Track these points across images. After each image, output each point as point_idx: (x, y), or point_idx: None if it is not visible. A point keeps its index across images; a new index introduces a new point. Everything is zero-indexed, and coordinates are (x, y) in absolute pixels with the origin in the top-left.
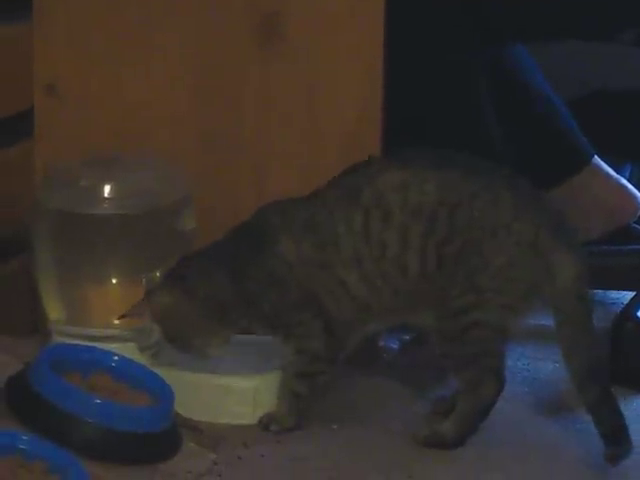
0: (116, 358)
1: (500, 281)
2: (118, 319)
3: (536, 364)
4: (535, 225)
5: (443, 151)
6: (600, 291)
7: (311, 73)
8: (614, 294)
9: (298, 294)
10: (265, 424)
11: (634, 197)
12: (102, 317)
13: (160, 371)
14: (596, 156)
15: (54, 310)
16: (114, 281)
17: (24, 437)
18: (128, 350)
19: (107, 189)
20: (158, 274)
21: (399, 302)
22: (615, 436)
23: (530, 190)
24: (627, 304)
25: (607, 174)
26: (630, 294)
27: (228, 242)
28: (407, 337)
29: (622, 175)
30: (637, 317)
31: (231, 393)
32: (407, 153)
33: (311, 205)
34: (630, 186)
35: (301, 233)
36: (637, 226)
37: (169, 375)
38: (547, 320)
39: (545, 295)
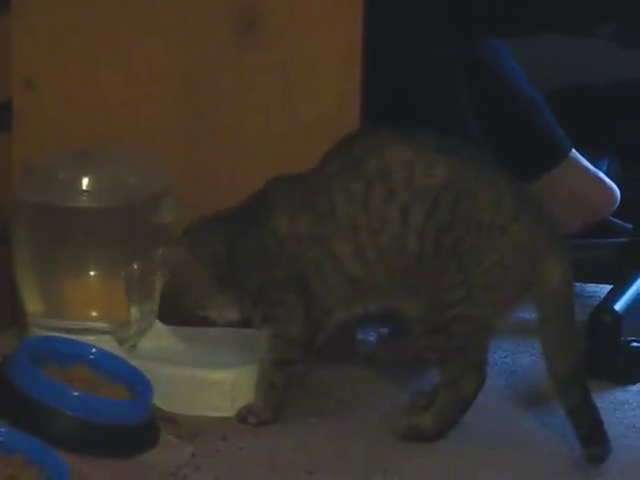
0: (94, 351)
1: (492, 278)
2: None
3: (514, 357)
4: (531, 228)
5: (453, 138)
6: (578, 284)
7: (289, 64)
8: (592, 287)
9: (285, 272)
10: (243, 416)
11: (611, 190)
12: (80, 310)
13: (138, 364)
14: (574, 149)
15: (32, 303)
16: (92, 274)
17: (2, 429)
18: (106, 343)
19: (85, 182)
20: (137, 267)
21: (390, 282)
22: (593, 439)
23: (528, 192)
24: (604, 297)
25: (585, 167)
26: (607, 287)
27: (236, 210)
28: (385, 330)
29: (599, 168)
30: (614, 310)
31: (209, 386)
32: (418, 132)
33: (312, 177)
34: (607, 179)
35: (297, 208)
36: (614, 219)
37: (147, 368)
38: (525, 313)
39: (532, 295)
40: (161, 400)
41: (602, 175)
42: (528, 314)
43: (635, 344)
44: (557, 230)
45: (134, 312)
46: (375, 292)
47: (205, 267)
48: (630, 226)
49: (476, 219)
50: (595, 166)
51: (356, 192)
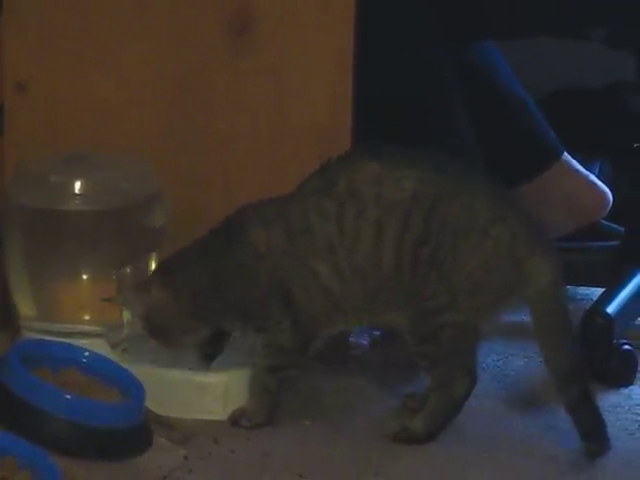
0: (87, 354)
1: (474, 283)
2: (103, 301)
3: (506, 360)
4: (511, 230)
5: (423, 150)
6: (570, 287)
7: (281, 69)
8: (584, 290)
9: (267, 285)
10: (235, 419)
11: (603, 193)
12: (73, 313)
13: (131, 367)
14: (566, 153)
15: (24, 306)
16: (85, 277)
17: None
18: (99, 346)
19: (77, 185)
20: (129, 270)
21: (370, 299)
22: (594, 434)
23: (508, 195)
24: (596, 300)
25: (577, 170)
26: (599, 290)
27: (208, 237)
28: (377, 333)
29: (591, 172)
30: (606, 313)
31: (202, 389)
32: (387, 148)
33: (286, 198)
34: (599, 182)
35: (272, 222)
36: (606, 222)
37: (140, 371)
38: (517, 316)
39: (521, 297)
40: (154, 403)
41: (594, 178)
42: (520, 317)
43: (627, 347)
44: (542, 231)
45: (126, 315)
46: (357, 310)
47: (184, 305)
48: (622, 229)
49: (451, 227)
50: (587, 169)
51: (329, 212)
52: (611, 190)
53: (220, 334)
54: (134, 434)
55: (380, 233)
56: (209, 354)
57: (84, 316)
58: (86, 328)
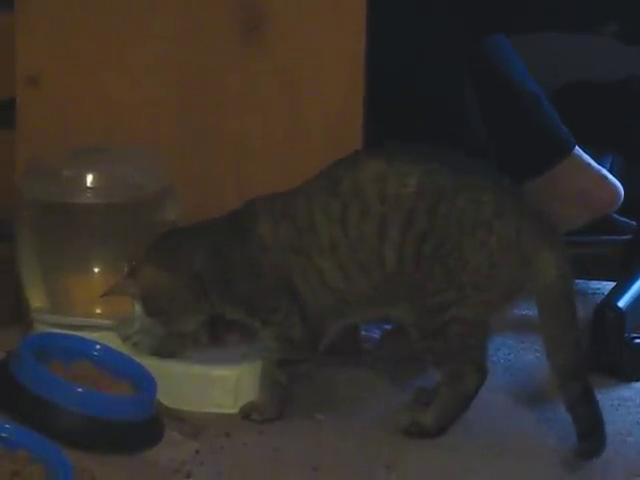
0: (98, 347)
1: (480, 278)
2: (101, 296)
3: (517, 354)
4: (517, 224)
5: (428, 147)
6: (581, 281)
7: (293, 69)
8: (595, 284)
9: (273, 279)
10: (246, 413)
11: (615, 187)
12: (84, 306)
13: (142, 360)
14: (577, 147)
15: (36, 299)
16: (96, 270)
17: (6, 426)
18: (110, 339)
19: (89, 179)
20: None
21: (376, 295)
22: (590, 434)
23: (513, 189)
24: (608, 294)
25: (588, 164)
26: (611, 284)
27: (212, 223)
28: (388, 326)
29: (603, 166)
30: (618, 307)
31: (213, 382)
32: (392, 146)
33: (292, 194)
34: (611, 176)
35: (279, 217)
36: (618, 216)
37: (151, 364)
38: (528, 310)
39: (528, 291)
40: (165, 396)
41: (606, 172)
42: (530, 311)
43: (638, 341)
44: (550, 225)
45: (138, 308)
46: (363, 304)
47: (183, 286)
48: (634, 223)
49: (455, 222)
50: (599, 163)
51: (334, 211)
52: (623, 184)
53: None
54: (145, 427)
55: (384, 229)
56: (220, 336)
57: (96, 309)
58: (98, 321)
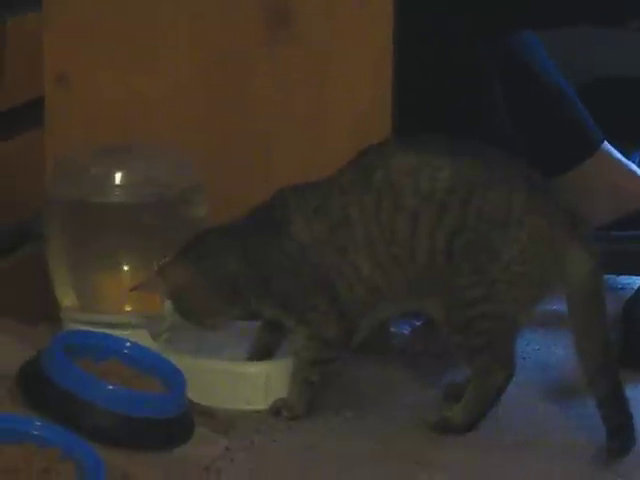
0: (128, 345)
1: (511, 274)
2: (130, 290)
3: (547, 349)
4: (548, 220)
5: (460, 139)
6: (611, 276)
7: (321, 59)
8: (625, 279)
9: (312, 277)
10: (276, 410)
11: None
12: (114, 304)
13: (172, 357)
14: (606, 142)
15: (66, 297)
16: (125, 268)
17: (37, 423)
18: (140, 337)
19: (118, 177)
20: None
21: (409, 288)
22: (619, 432)
23: (544, 184)
24: (638, 289)
25: (617, 159)
26: None
27: (244, 222)
28: (418, 322)
29: (632, 161)
30: None
31: (243, 379)
32: (423, 137)
33: (325, 188)
34: None
35: (313, 215)
36: None
37: (181, 362)
38: (559, 305)
39: (559, 287)
40: (195, 393)
41: (635, 167)
42: (560, 306)
43: None
44: (580, 221)
45: (168, 306)
46: (397, 298)
47: (215, 287)
48: None
49: (487, 217)
50: (627, 158)
51: (367, 205)
52: None
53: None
54: (175, 424)
55: (416, 223)
56: (267, 342)
57: (125, 307)
58: (127, 319)
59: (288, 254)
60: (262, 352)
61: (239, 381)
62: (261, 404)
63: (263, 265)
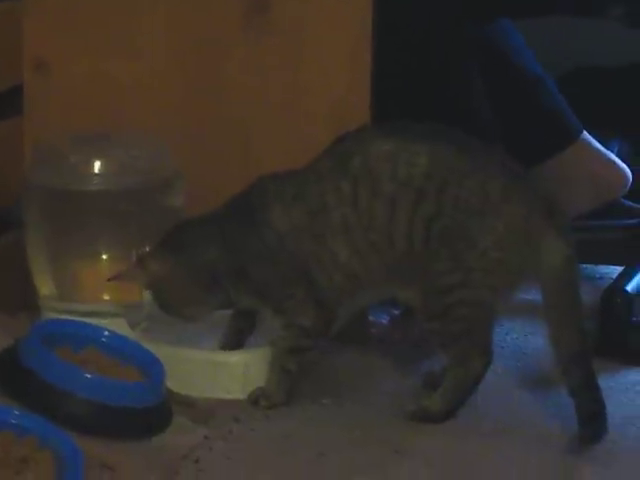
0: (107, 333)
1: (487, 261)
2: (109, 280)
3: (525, 338)
4: (525, 208)
5: (438, 125)
6: (589, 266)
7: (298, 45)
8: (603, 269)
9: (289, 265)
10: (254, 399)
11: (623, 172)
12: (92, 293)
13: (151, 346)
14: (585, 131)
15: (45, 286)
16: (104, 257)
17: (15, 412)
18: (119, 326)
19: (97, 165)
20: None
21: (387, 275)
22: (592, 420)
23: (522, 173)
24: (616, 278)
25: (596, 149)
26: (619, 269)
27: (223, 211)
28: (396, 312)
29: (610, 150)
30: (626, 291)
31: (221, 368)
32: (401, 123)
33: (303, 175)
34: (619, 161)
35: (291, 202)
36: (626, 201)
37: (160, 350)
38: (536, 295)
39: (534, 275)
40: (174, 383)
41: (613, 157)
42: (539, 296)
43: None
44: (557, 210)
45: (146, 295)
46: (374, 284)
47: (194, 277)
48: None
49: (463, 204)
50: (606, 148)
51: (344, 191)
52: (630, 169)
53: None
54: (154, 413)
55: (393, 208)
56: (240, 330)
57: (104, 296)
58: (106, 308)
59: (266, 243)
60: (235, 341)
61: (217, 370)
62: (239, 393)
63: (241, 254)
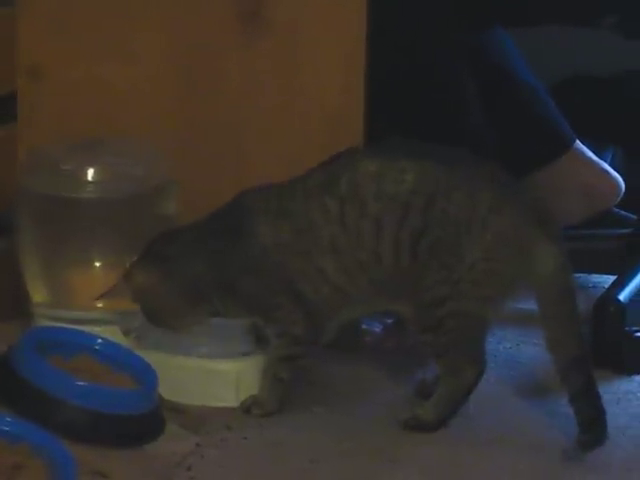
0: (100, 341)
1: (476, 274)
2: (96, 299)
3: (518, 347)
4: (514, 219)
5: (426, 142)
6: (582, 274)
7: (292, 49)
8: (596, 277)
9: (274, 276)
10: (247, 407)
11: (615, 181)
12: (85, 300)
13: (143, 354)
14: (578, 141)
15: (38, 293)
16: (97, 264)
17: (7, 419)
18: (112, 333)
19: (90, 173)
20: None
21: (376, 291)
22: (591, 426)
23: (511, 183)
24: (608, 287)
25: (589, 158)
26: (611, 278)
27: (207, 223)
28: (389, 320)
29: (603, 159)
30: (618, 300)
31: (214, 376)
32: (390, 142)
33: (289, 191)
34: (611, 170)
35: (278, 218)
36: (618, 210)
37: (152, 358)
38: (529, 304)
39: (528, 284)
40: (166, 390)
41: (606, 166)
42: (532, 305)
43: (639, 334)
44: (549, 219)
45: None
46: (364, 300)
47: (179, 289)
48: (634, 217)
49: (452, 218)
50: (599, 157)
51: (332, 210)
52: (623, 178)
53: None
54: (146, 421)
55: (380, 226)
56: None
57: (97, 303)
58: (99, 315)
59: (251, 256)
60: None
61: (210, 378)
62: (232, 401)
63: (227, 266)
